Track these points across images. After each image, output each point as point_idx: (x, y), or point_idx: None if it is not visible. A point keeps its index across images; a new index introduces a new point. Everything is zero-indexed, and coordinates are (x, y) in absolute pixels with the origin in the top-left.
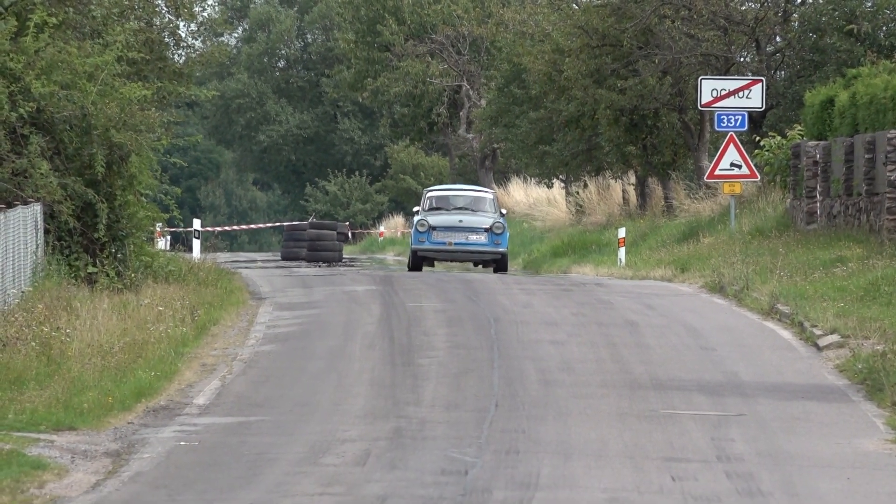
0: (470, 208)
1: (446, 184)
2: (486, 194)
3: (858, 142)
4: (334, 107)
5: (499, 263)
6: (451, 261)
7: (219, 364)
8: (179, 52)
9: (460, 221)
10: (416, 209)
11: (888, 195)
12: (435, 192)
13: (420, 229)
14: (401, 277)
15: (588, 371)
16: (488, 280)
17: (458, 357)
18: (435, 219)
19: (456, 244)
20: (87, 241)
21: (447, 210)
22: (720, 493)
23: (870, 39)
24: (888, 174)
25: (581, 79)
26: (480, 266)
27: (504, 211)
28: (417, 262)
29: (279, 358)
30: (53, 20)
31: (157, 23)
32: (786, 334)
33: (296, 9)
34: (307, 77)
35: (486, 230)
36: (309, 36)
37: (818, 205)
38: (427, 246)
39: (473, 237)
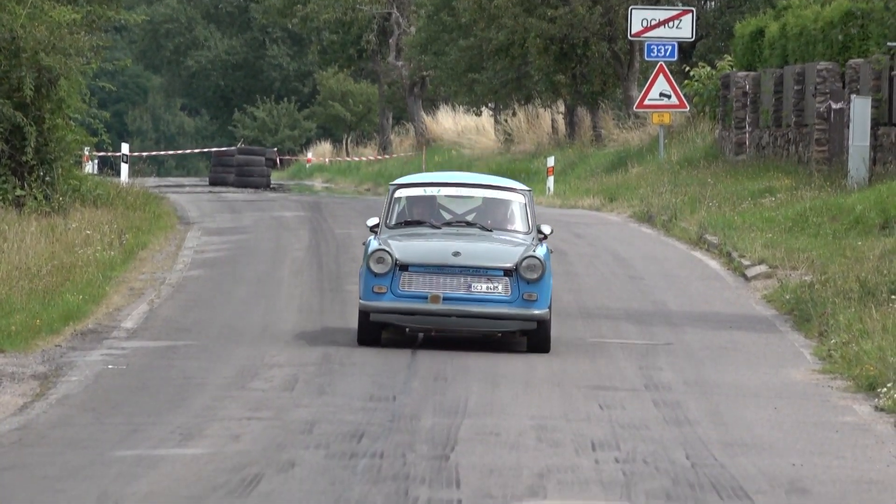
0: (479, 224)
1: (422, 174)
2: (513, 195)
3: (788, 73)
4: (263, 33)
5: (534, 336)
6: (442, 331)
7: (147, 288)
8: None
9: (456, 255)
10: (371, 222)
11: (817, 127)
12: (411, 188)
13: (376, 268)
14: (329, 203)
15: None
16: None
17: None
18: (407, 248)
19: (449, 300)
20: (14, 164)
21: (432, 227)
22: (648, 421)
23: None
24: (817, 106)
25: (511, 7)
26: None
27: (546, 229)
28: (372, 329)
29: (207, 283)
30: None
31: None
32: (714, 264)
33: None
34: (236, 3)
35: (508, 273)
36: None
37: (747, 136)
38: (389, 303)
39: (482, 286)
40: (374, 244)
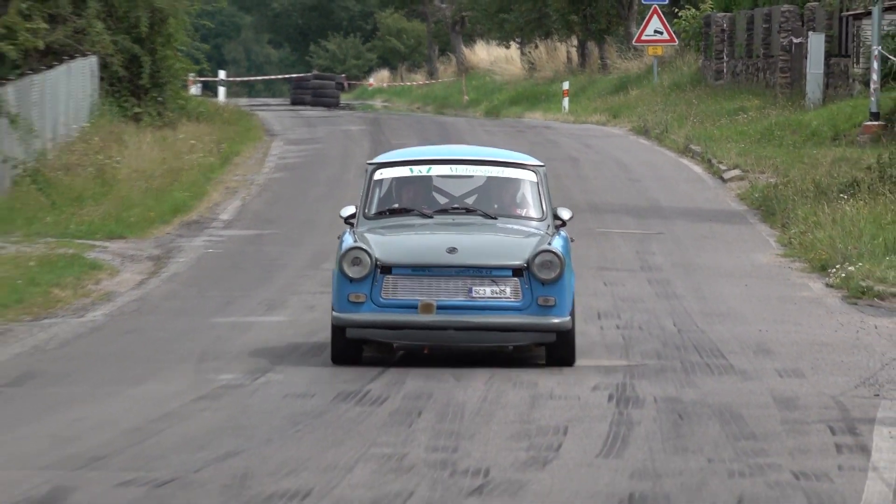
0: (480, 210)
1: (408, 149)
2: (523, 171)
3: (757, 14)
4: None
5: (554, 350)
6: (436, 345)
7: (239, 188)
8: None
9: (452, 252)
10: (345, 211)
11: (781, 57)
12: (394, 167)
13: (351, 272)
14: (386, 119)
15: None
16: (458, 122)
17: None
18: (390, 245)
19: (444, 310)
20: (133, 87)
21: (422, 217)
22: (643, 296)
23: None
24: (781, 40)
25: None
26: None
27: (565, 214)
28: (349, 347)
29: (288, 183)
30: None
31: None
32: (697, 169)
33: None
34: None
35: (518, 272)
36: None
37: (724, 65)
38: (369, 315)
39: (486, 291)
40: (348, 240)
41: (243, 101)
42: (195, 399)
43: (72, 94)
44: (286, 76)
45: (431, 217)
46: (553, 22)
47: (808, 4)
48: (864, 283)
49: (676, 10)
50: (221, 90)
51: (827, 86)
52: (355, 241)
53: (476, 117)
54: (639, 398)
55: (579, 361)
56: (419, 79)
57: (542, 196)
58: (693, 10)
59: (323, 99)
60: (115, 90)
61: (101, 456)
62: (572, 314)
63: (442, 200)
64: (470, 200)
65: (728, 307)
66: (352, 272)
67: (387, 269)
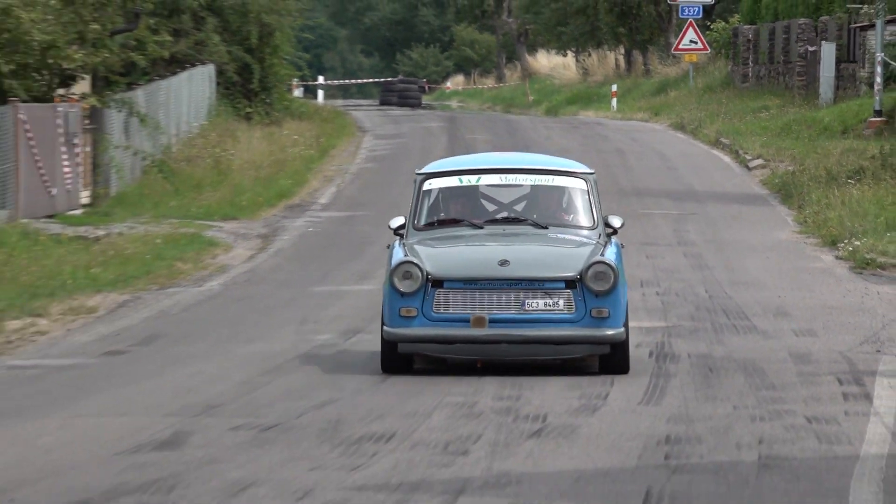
0: (530, 220)
1: (456, 157)
2: (571, 180)
3: (778, 26)
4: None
5: (607, 359)
6: (491, 362)
7: (335, 176)
8: None
9: (504, 264)
10: (394, 222)
11: (798, 63)
12: (443, 177)
13: (402, 287)
14: (461, 117)
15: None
16: (522, 120)
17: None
18: (440, 258)
19: (497, 323)
20: (245, 90)
21: (472, 227)
22: (679, 267)
23: None
24: (798, 48)
25: None
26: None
27: (616, 221)
28: (400, 360)
29: (377, 172)
30: None
31: None
32: (726, 159)
33: None
34: None
35: (571, 284)
36: None
37: (750, 69)
38: (421, 330)
39: (539, 303)
40: (398, 254)
41: (339, 102)
42: (296, 356)
43: (192, 97)
44: (375, 80)
45: (482, 227)
46: (603, 34)
47: (821, 18)
48: (868, 256)
49: (709, 23)
50: (320, 93)
51: (837, 87)
52: (406, 254)
53: (538, 115)
54: (675, 354)
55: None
56: (489, 82)
57: (592, 204)
58: (723, 22)
59: (407, 100)
60: (229, 93)
61: (215, 404)
62: (626, 325)
63: (491, 209)
64: (519, 208)
65: (752, 276)
66: (403, 286)
67: (438, 282)
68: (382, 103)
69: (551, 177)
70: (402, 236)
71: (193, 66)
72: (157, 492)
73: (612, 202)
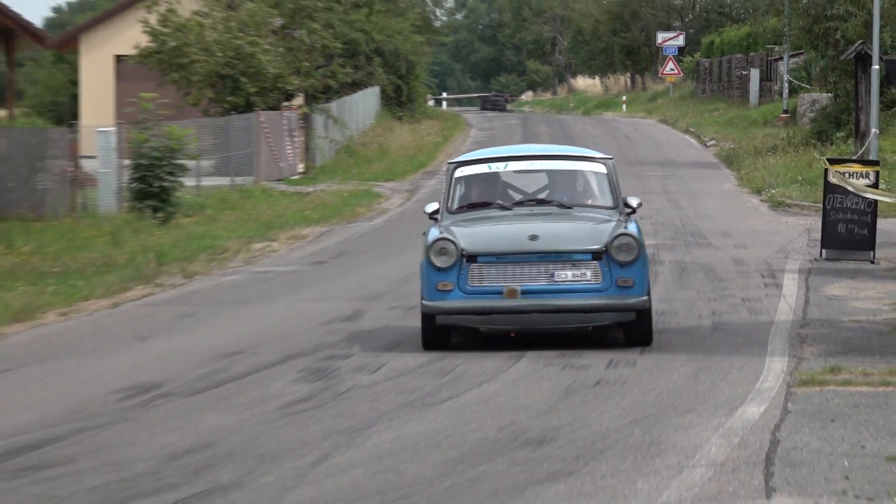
0: (555, 201)
1: (485, 149)
2: (591, 164)
3: (724, 59)
4: (505, 46)
5: (632, 329)
6: (524, 331)
7: (453, 153)
8: (438, 19)
9: (534, 239)
10: (429, 207)
11: (736, 82)
12: (472, 165)
13: (438, 262)
14: (530, 117)
15: (601, 151)
16: (566, 118)
17: None
18: (474, 235)
19: (528, 294)
20: (398, 102)
21: (501, 209)
22: (664, 207)
23: (729, 14)
24: (736, 73)
25: (607, 33)
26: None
27: (634, 201)
28: (439, 333)
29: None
30: (380, 7)
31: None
32: (693, 140)
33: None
34: (491, 24)
35: (598, 256)
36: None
37: (707, 86)
38: (457, 302)
39: (568, 274)
40: (433, 233)
41: (455, 108)
42: None
43: (365, 107)
44: (478, 95)
45: (510, 209)
46: (617, 65)
47: (751, 53)
48: (780, 199)
49: (682, 57)
50: (444, 103)
51: (760, 96)
52: (441, 232)
53: (577, 115)
54: (661, 260)
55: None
56: (547, 95)
57: (612, 186)
58: (690, 57)
59: (497, 107)
60: (387, 104)
61: (380, 294)
62: (649, 294)
63: (517, 196)
64: (544, 193)
65: (708, 212)
66: (439, 262)
67: (472, 258)
68: (482, 109)
69: (573, 162)
70: (437, 220)
71: (366, 87)
72: (344, 347)
73: (624, 168)
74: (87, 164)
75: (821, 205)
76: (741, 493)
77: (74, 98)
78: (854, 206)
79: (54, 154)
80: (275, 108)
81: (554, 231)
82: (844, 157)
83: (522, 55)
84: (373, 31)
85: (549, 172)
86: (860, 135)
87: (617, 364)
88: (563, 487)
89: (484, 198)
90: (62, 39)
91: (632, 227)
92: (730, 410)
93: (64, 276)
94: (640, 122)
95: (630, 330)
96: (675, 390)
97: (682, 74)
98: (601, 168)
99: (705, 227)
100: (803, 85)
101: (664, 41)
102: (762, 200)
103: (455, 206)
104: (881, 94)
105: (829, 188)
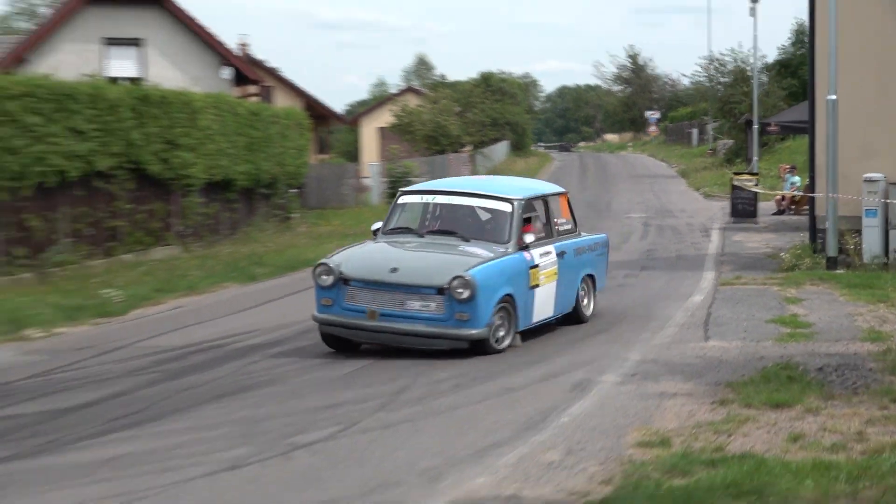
0: (458, 233)
1: (436, 181)
2: (499, 203)
3: (681, 124)
4: (569, 118)
5: (474, 345)
6: (378, 344)
7: (545, 173)
8: (537, 106)
9: (394, 272)
10: (374, 226)
11: (686, 133)
12: (412, 195)
13: (320, 282)
14: (584, 155)
15: (617, 170)
16: (602, 155)
17: (595, 177)
18: (351, 262)
19: (385, 317)
20: (517, 148)
21: (417, 235)
22: (650, 199)
23: (682, 101)
24: (686, 129)
25: (621, 113)
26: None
27: (529, 238)
28: (328, 338)
29: (558, 171)
30: (508, 101)
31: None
32: (664, 164)
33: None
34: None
35: (441, 291)
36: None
37: (671, 137)
38: (333, 315)
39: (416, 304)
40: (327, 257)
41: (544, 151)
42: None
43: (500, 151)
44: (556, 143)
45: (423, 237)
46: (627, 127)
47: (693, 120)
48: (709, 193)
49: (659, 120)
50: (541, 146)
51: (698, 142)
52: (325, 258)
53: (606, 153)
54: (650, 224)
55: (631, 213)
56: (592, 143)
57: (512, 224)
58: (663, 122)
59: (566, 150)
60: (512, 150)
61: None
62: (489, 325)
63: (434, 225)
64: (452, 225)
65: (673, 200)
66: (320, 281)
67: (347, 281)
68: (560, 150)
69: (486, 200)
70: (375, 236)
71: (501, 141)
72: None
73: (628, 180)
74: (365, 181)
75: (729, 195)
76: (693, 338)
77: (357, 148)
78: (746, 195)
79: (349, 175)
80: (456, 151)
81: (414, 265)
82: (741, 172)
83: (579, 123)
84: (504, 112)
85: (460, 208)
86: (749, 161)
87: (628, 275)
88: (603, 338)
89: (409, 223)
90: (352, 119)
91: (478, 269)
92: (686, 298)
93: (356, 237)
94: (638, 156)
95: (473, 348)
96: (659, 288)
97: (658, 132)
98: (507, 207)
99: (672, 207)
100: (719, 136)
101: (650, 115)
102: (700, 194)
103: (389, 227)
104: (760, 140)
105: (734, 187)
